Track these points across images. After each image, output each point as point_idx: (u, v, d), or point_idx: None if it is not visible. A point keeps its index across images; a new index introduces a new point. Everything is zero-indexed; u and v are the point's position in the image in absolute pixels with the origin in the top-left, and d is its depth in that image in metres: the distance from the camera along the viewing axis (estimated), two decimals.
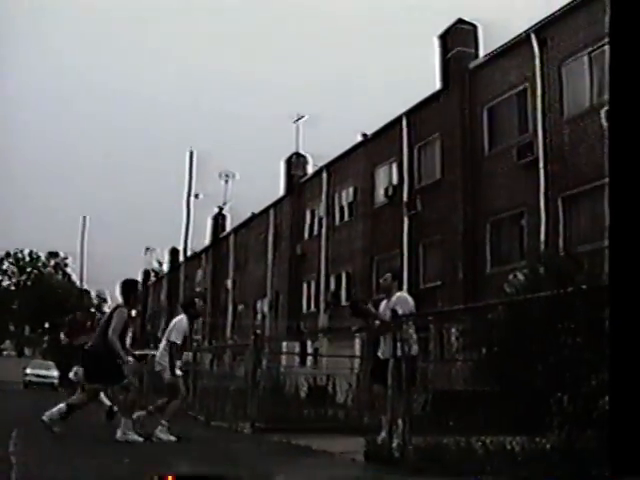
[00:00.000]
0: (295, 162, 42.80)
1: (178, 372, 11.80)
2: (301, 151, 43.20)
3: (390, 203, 31.20)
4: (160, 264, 70.44)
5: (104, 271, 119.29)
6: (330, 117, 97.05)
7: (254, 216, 47.03)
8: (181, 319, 12.26)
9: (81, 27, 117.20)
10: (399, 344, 8.80)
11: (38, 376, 47.95)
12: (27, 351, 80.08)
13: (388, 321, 9.56)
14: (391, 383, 8.97)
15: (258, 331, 17.62)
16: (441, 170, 27.96)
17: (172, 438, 11.14)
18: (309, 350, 33.44)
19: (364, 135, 34.30)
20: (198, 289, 55.65)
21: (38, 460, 7.67)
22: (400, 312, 9.40)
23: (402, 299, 10.43)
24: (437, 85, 28.72)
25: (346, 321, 31.81)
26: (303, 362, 25.03)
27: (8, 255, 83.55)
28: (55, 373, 48.87)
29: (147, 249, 70.47)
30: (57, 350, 64.75)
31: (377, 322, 10.63)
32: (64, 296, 74.71)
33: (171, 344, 11.86)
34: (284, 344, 30.17)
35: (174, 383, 11.74)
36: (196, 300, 13.53)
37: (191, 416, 17.06)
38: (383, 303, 10.72)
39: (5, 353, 74.50)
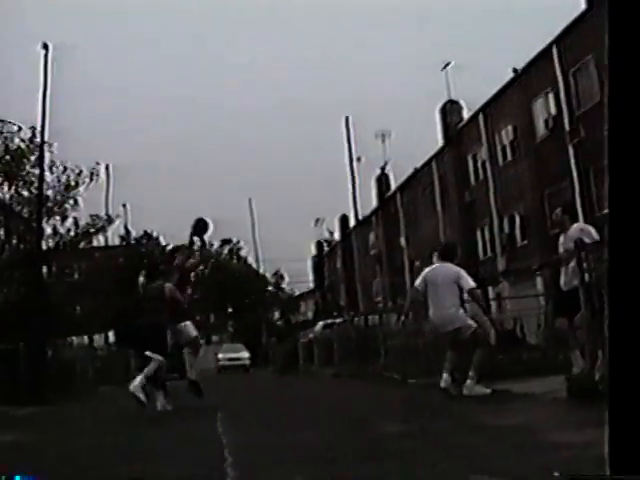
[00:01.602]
0: (450, 109, 42.28)
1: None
2: (454, 98, 42.68)
3: (552, 135, 30.48)
4: (331, 233, 71.25)
5: (277, 249, 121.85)
6: (477, 60, 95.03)
7: (417, 171, 46.87)
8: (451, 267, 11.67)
9: None
10: (586, 273, 8.60)
11: (230, 359, 49.52)
12: (214, 337, 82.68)
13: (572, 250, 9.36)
14: (583, 313, 8.76)
15: None
16: (600, 91, 27.00)
17: (487, 391, 10.47)
18: (491, 296, 33.15)
19: (515, 70, 33.53)
20: (372, 252, 56.03)
21: (245, 437, 7.95)
22: (587, 240, 9.27)
23: (585, 230, 10.14)
24: (582, 6, 27.80)
25: (525, 261, 31.60)
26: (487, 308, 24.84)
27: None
28: (246, 354, 50.46)
29: (317, 220, 71.34)
30: (243, 331, 66.91)
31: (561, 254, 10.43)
32: (242, 279, 76.66)
33: (473, 291, 11.45)
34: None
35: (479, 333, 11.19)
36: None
37: (386, 376, 17.30)
38: (561, 237, 10.56)
39: None
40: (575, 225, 10.58)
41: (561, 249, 10.50)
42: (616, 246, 2.05)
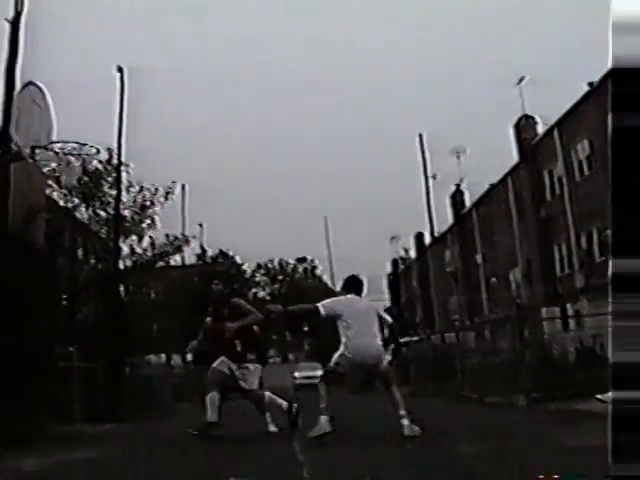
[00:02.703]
0: (524, 125, 41.85)
1: None
2: (528, 113, 42.25)
3: None
4: (407, 251, 71.07)
5: (353, 267, 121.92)
6: (550, 74, 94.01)
7: (492, 187, 46.48)
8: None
9: None
10: None
11: (306, 377, 49.61)
12: (290, 356, 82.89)
13: None
14: None
15: (519, 301, 17.42)
16: None
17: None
18: (569, 312, 32.61)
19: (590, 84, 33.06)
20: (448, 269, 55.70)
21: (321, 456, 7.92)
22: None
23: None
24: None
25: (604, 278, 30.91)
26: (565, 326, 24.50)
27: (259, 267, 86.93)
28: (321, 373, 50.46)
29: (392, 238, 71.29)
30: (320, 350, 66.97)
31: None
32: (318, 298, 76.83)
33: (394, 324, 10.74)
34: (544, 310, 29.63)
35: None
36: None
37: (464, 395, 17.12)
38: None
39: (271, 360, 77.63)
40: None
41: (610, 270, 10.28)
42: (618, 251, 2.01)
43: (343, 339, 9.81)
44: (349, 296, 10.14)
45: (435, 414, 14.59)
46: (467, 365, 19.00)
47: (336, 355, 9.99)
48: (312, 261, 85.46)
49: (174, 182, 26.41)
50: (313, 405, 9.98)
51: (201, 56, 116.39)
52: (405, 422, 9.30)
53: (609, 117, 2.10)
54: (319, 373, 42.49)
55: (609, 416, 1.89)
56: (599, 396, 10.13)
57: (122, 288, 24.96)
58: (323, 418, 9.70)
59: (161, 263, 27.56)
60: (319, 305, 9.93)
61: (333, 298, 10.49)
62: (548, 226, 38.56)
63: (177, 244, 28.34)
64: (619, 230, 1.92)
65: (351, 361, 9.86)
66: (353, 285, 10.42)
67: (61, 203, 23.30)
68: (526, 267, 41.46)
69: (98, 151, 22.70)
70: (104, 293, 21.80)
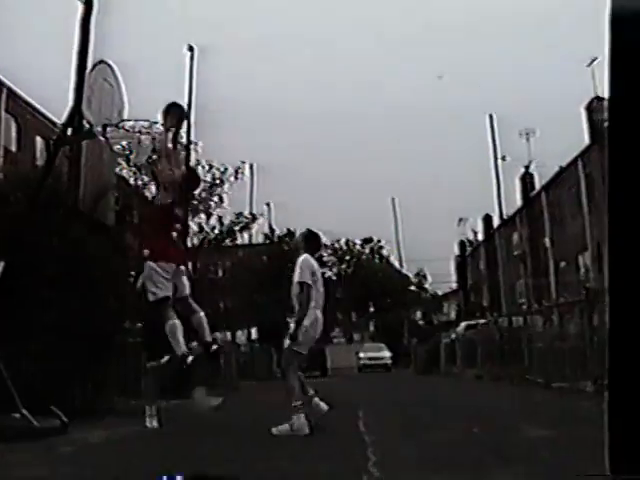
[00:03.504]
0: (596, 107, 41.11)
1: None
2: (600, 94, 41.47)
3: None
4: (475, 233, 70.51)
5: (420, 249, 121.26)
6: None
7: (562, 170, 45.79)
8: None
9: None
10: None
11: (371, 359, 49.57)
12: (355, 336, 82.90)
13: None
14: None
15: (588, 285, 17.19)
16: None
17: None
18: None
19: None
20: (516, 252, 55.14)
21: (388, 437, 7.92)
22: None
23: None
24: None
25: None
26: None
27: (326, 247, 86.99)
28: (387, 354, 50.42)
29: (460, 220, 70.70)
30: (385, 331, 67.01)
31: None
32: (384, 279, 76.84)
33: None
34: None
35: None
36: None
37: (530, 380, 16.97)
38: None
39: (335, 340, 77.77)
40: None
41: None
42: (617, 254, 1.96)
43: (308, 312, 8.56)
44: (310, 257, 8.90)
45: (502, 398, 14.52)
46: (534, 349, 18.80)
47: (298, 330, 8.55)
48: (379, 242, 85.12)
49: (243, 162, 26.57)
50: (379, 384, 9.92)
51: (270, 36, 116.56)
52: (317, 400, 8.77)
53: None
54: (384, 354, 41.81)
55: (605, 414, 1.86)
56: None
57: (190, 266, 25.22)
58: (300, 417, 8.26)
59: (229, 241, 27.76)
60: (304, 281, 8.59)
61: (302, 265, 8.76)
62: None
63: (245, 222, 28.50)
64: None
65: (310, 338, 8.73)
66: (314, 242, 9.33)
67: (131, 181, 23.58)
68: (596, 251, 40.84)
69: None
70: None
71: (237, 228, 27.99)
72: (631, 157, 1.89)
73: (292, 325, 8.75)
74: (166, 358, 9.52)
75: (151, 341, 10.11)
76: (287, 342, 8.71)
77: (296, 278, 8.70)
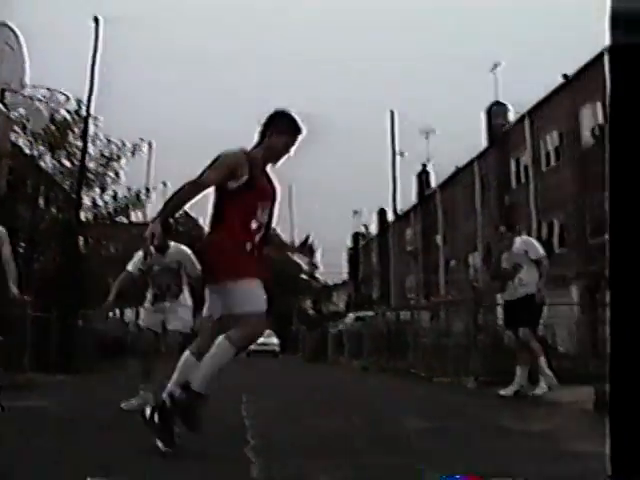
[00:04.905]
0: (496, 111, 42.04)
1: None
2: (501, 100, 42.41)
3: (598, 143, 30.21)
4: (366, 227, 71.18)
5: (313, 238, 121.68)
6: (526, 63, 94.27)
7: (459, 170, 46.67)
8: None
9: None
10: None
11: (260, 344, 49.45)
12: None
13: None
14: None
15: (475, 284, 17.60)
16: None
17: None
18: None
19: (565, 76, 33.22)
20: (409, 248, 55.94)
21: (269, 422, 8.01)
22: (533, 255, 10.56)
23: (530, 245, 10.74)
24: None
25: (561, 269, 31.36)
26: None
27: None
28: (276, 340, 50.60)
29: (355, 212, 71.33)
30: (274, 318, 67.16)
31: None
32: (276, 265, 76.92)
33: None
34: (498, 296, 29.86)
35: None
36: None
37: (414, 373, 17.30)
38: (505, 254, 10.74)
39: None
40: (519, 239, 10.94)
41: (504, 264, 10.72)
42: (618, 252, 2.04)
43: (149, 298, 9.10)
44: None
45: (384, 389, 14.77)
46: (419, 344, 19.17)
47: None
48: (274, 229, 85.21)
49: (142, 139, 26.12)
50: (265, 370, 10.01)
51: (178, 12, 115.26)
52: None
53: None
54: (273, 340, 41.98)
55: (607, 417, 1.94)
56: (501, 392, 10.45)
57: (82, 241, 24.82)
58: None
59: (123, 218, 27.29)
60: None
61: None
62: (511, 214, 38.84)
63: (138, 199, 28.01)
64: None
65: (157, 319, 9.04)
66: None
67: (26, 150, 23.04)
68: (486, 252, 41.75)
69: (68, 98, 22.49)
70: (63, 244, 21.68)
71: (131, 204, 27.47)
72: (631, 156, 1.96)
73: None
74: None
75: None
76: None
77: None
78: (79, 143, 23.10)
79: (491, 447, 6.01)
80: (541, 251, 10.78)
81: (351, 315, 41.29)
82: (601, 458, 4.99)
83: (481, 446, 6.06)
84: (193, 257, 8.72)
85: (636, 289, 1.89)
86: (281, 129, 5.67)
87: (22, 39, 13.23)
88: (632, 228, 1.95)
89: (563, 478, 4.42)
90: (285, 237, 79.52)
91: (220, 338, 5.23)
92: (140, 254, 8.86)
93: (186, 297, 8.99)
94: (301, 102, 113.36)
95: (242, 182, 5.43)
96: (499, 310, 12.57)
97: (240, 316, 5.25)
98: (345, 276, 77.06)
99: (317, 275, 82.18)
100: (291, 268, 72.15)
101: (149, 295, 9.05)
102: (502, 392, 10.50)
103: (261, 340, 37.56)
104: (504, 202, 39.31)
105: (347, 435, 6.33)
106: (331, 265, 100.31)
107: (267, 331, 53.63)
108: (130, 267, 9.12)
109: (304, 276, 76.22)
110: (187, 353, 5.62)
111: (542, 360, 10.50)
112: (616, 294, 1.92)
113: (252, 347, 30.54)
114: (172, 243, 9.02)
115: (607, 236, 2.00)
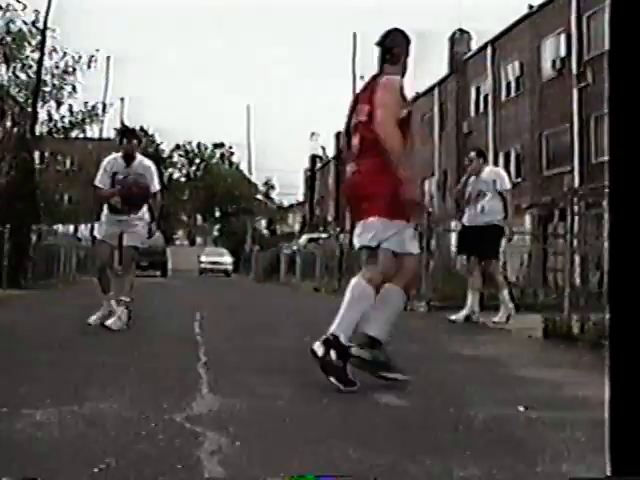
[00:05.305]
0: (458, 39, 41.77)
1: None
2: (464, 27, 42.12)
3: (558, 76, 30.25)
4: (324, 149, 70.91)
5: (271, 159, 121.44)
6: None
7: (418, 96, 46.47)
8: None
9: None
10: None
11: (213, 263, 49.59)
12: (199, 240, 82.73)
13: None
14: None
15: (430, 210, 17.67)
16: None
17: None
18: None
19: (530, 7, 33.06)
20: None
21: (221, 339, 8.08)
22: (499, 186, 10.51)
23: (499, 175, 10.86)
24: None
25: (515, 198, 31.56)
26: None
27: (177, 147, 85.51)
28: (229, 259, 50.67)
29: (312, 134, 70.97)
30: (228, 237, 67.17)
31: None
32: (232, 185, 76.66)
33: None
34: (453, 223, 30.09)
35: None
36: None
37: None
38: (472, 178, 10.78)
39: (178, 242, 77.42)
40: (489, 168, 11.05)
41: (469, 189, 10.77)
42: (617, 251, 2.06)
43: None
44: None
45: (335, 311, 14.88)
46: None
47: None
48: (230, 147, 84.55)
49: (97, 50, 25.60)
50: (217, 288, 10.03)
51: None
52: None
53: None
54: (226, 259, 42.20)
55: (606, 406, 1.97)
56: (452, 317, 10.60)
57: (37, 154, 24.48)
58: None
59: (78, 133, 26.91)
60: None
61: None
62: (468, 142, 38.93)
63: (94, 114, 27.57)
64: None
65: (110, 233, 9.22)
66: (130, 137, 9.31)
67: None
68: (442, 178, 41.93)
69: (25, 7, 21.95)
70: (17, 158, 21.36)
71: (87, 119, 27.04)
72: (631, 156, 1.96)
73: None
74: None
75: None
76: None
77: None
78: (36, 55, 22.63)
79: (441, 370, 6.13)
80: (508, 184, 10.81)
81: (305, 236, 41.44)
82: (550, 383, 5.11)
83: (430, 369, 6.17)
84: (155, 172, 8.84)
85: (635, 295, 1.91)
86: (408, 49, 5.82)
87: None
88: (633, 227, 1.96)
89: (512, 403, 4.52)
90: (240, 155, 79.23)
91: (397, 288, 5.49)
92: (104, 165, 9.02)
93: (144, 211, 8.96)
94: (266, 11, 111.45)
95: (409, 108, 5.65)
96: (452, 237, 12.64)
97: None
98: (301, 197, 77.11)
99: (273, 195, 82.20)
100: (246, 189, 72.03)
101: (106, 207, 9.00)
102: (453, 317, 10.64)
103: (215, 259, 38.01)
104: (462, 130, 39.36)
105: (297, 354, 6.40)
106: (287, 186, 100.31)
107: (221, 250, 53.75)
108: (98, 182, 9.04)
109: (259, 196, 76.13)
110: (363, 283, 5.61)
111: (505, 292, 10.64)
112: (615, 300, 1.94)
113: (205, 265, 30.78)
114: (138, 155, 9.01)
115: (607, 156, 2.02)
